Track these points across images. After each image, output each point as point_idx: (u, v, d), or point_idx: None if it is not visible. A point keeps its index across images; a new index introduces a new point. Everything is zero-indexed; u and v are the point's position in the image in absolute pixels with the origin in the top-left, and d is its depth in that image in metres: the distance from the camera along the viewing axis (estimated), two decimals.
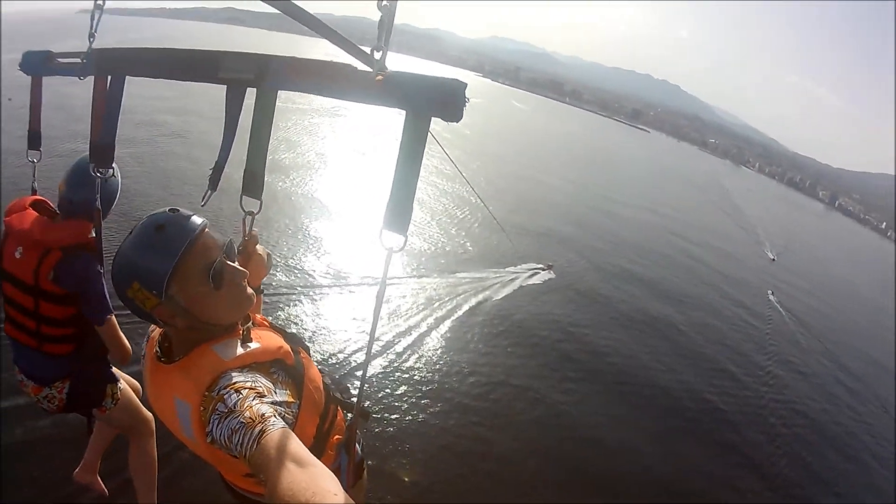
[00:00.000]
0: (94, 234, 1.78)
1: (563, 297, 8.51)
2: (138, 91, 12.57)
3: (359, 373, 4.64)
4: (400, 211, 0.97)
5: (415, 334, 5.99)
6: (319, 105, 21.11)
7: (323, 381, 1.32)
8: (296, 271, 6.74)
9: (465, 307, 7.06)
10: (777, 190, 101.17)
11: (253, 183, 1.31)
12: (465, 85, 0.90)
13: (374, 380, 4.80)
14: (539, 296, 8.33)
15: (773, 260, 19.08)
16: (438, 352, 5.78)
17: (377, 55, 0.97)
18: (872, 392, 9.30)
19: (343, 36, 1.05)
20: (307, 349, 1.33)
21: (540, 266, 9.53)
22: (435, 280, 7.75)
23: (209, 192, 1.36)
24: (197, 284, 1.03)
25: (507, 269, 8.99)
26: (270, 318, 5.45)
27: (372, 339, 1.11)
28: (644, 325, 8.42)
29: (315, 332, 5.38)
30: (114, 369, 2.11)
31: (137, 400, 2.25)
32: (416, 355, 5.54)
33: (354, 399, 1.27)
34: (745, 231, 23.91)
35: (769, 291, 13.57)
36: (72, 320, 1.84)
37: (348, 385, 4.38)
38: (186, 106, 14.87)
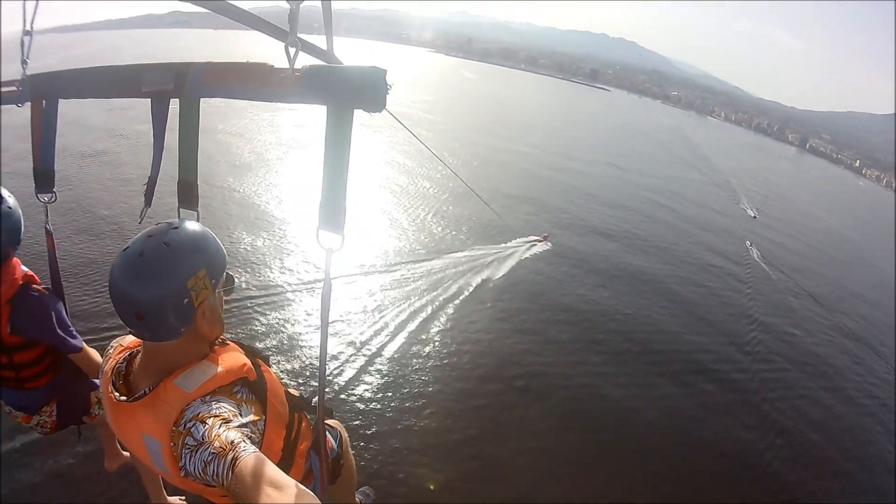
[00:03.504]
0: (25, 272, 1.69)
1: (558, 268, 8.33)
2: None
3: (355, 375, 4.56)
4: (333, 210, 0.98)
5: (420, 317, 5.82)
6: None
7: (285, 392, 1.28)
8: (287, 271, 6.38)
9: (469, 288, 6.83)
10: (746, 137, 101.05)
11: (188, 194, 1.33)
12: (385, 72, 0.87)
13: (380, 376, 4.64)
14: (539, 268, 8.12)
15: (755, 217, 16.80)
16: (447, 337, 5.53)
17: (291, 51, 0.97)
18: (874, 338, 8.88)
19: (265, 20, 1.06)
20: (267, 360, 1.28)
21: (536, 238, 9.36)
22: (432, 263, 7.49)
23: (145, 207, 1.41)
24: (220, 284, 1.07)
25: (503, 245, 8.78)
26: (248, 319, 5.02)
27: (324, 341, 1.12)
28: (655, 292, 8.12)
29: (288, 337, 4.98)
30: None
31: None
32: (427, 341, 5.35)
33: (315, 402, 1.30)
34: (719, 188, 21.61)
35: (747, 242, 12.94)
36: (45, 354, 1.83)
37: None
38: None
